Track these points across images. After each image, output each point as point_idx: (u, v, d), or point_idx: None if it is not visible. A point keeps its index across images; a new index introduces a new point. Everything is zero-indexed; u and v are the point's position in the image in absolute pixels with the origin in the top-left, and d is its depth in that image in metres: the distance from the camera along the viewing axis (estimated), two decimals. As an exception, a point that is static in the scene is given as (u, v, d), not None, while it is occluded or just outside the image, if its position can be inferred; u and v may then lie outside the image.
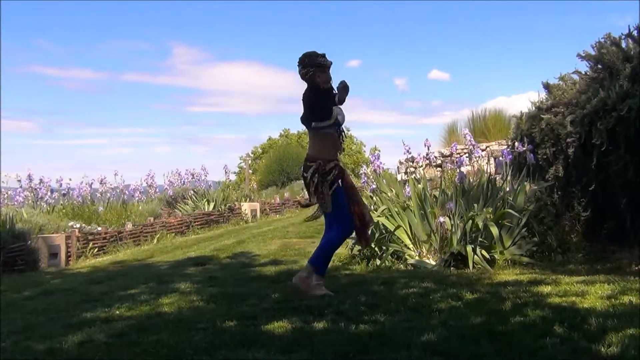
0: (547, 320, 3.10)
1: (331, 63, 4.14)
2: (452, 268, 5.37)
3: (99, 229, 10.69)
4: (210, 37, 71.76)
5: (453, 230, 5.61)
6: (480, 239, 5.54)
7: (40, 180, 13.89)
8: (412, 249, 5.95)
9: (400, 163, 12.56)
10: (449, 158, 9.45)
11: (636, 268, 4.93)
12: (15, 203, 12.53)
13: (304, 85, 4.22)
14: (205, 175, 17.12)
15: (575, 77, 6.33)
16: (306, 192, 4.38)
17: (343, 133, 4.18)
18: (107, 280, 6.04)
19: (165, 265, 7.18)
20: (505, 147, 7.51)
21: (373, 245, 5.99)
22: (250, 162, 27.02)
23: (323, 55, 4.13)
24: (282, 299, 4.00)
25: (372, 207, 6.60)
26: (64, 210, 12.70)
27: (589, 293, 3.82)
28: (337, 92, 4.14)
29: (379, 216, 6.07)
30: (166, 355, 2.82)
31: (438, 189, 6.40)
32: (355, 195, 4.18)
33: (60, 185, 14.47)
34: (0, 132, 56.77)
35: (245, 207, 14.73)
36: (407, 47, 69.06)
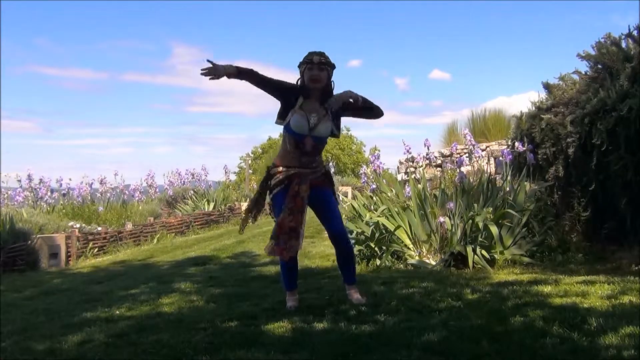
0: (547, 320, 3.10)
1: (319, 60, 3.66)
2: (452, 268, 5.37)
3: (99, 229, 10.70)
4: (210, 37, 71.91)
5: (453, 230, 5.61)
6: (480, 239, 5.54)
7: (40, 180, 13.92)
8: (412, 249, 5.95)
9: (400, 163, 12.56)
10: (449, 158, 9.44)
11: (636, 268, 4.93)
12: (15, 203, 12.56)
13: None
14: (205, 175, 17.17)
15: (575, 77, 6.33)
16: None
17: (303, 141, 3.67)
18: (107, 280, 6.05)
19: (165, 265, 7.18)
20: (505, 147, 7.51)
21: (373, 245, 5.99)
22: (250, 162, 27.02)
23: (311, 52, 3.73)
24: (282, 299, 3.99)
25: (372, 207, 6.61)
26: (64, 210, 12.72)
27: (589, 293, 3.82)
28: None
29: (379, 216, 6.08)
30: (166, 355, 2.82)
31: (438, 189, 6.40)
32: (289, 203, 3.65)
33: (60, 185, 14.49)
34: (0, 132, 56.80)
35: (245, 207, 14.72)
36: (408, 46, 69.26)
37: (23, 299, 5.12)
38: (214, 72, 3.60)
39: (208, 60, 3.58)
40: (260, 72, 3.73)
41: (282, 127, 3.76)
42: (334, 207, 3.86)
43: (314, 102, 3.72)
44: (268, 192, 3.83)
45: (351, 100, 3.71)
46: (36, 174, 14.03)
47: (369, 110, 3.83)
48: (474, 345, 2.73)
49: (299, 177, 3.70)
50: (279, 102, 3.76)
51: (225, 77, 3.66)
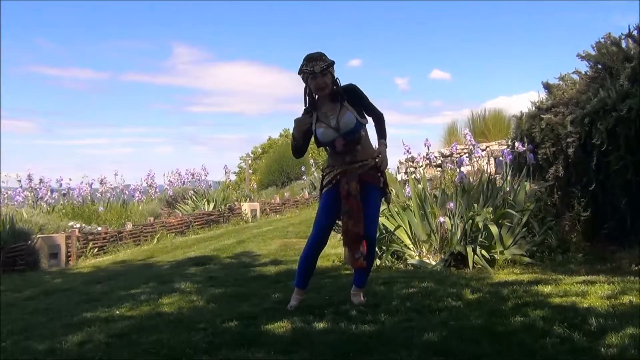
0: (547, 320, 3.10)
1: (320, 69, 3.62)
2: (452, 268, 5.37)
3: (99, 229, 10.68)
4: (210, 37, 71.96)
5: (453, 230, 5.61)
6: (480, 239, 5.54)
7: (40, 180, 13.88)
8: (412, 249, 5.95)
9: (400, 163, 12.57)
10: (449, 158, 9.45)
11: (636, 268, 4.93)
12: (15, 203, 12.53)
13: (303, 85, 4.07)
14: (206, 175, 17.13)
15: (575, 77, 6.34)
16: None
17: (334, 145, 3.71)
18: (107, 280, 6.05)
19: (165, 265, 7.18)
20: (505, 147, 7.51)
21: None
22: (250, 162, 27.01)
23: (309, 59, 3.66)
24: (282, 299, 4.00)
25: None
26: (64, 210, 12.69)
27: (589, 293, 3.82)
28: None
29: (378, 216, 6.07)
30: (166, 355, 2.82)
31: (438, 189, 6.40)
32: (345, 206, 3.67)
33: (60, 185, 14.46)
34: (0, 132, 56.81)
35: (245, 207, 14.72)
36: (408, 46, 69.36)
37: (23, 299, 5.11)
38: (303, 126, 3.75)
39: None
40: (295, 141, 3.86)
41: (319, 146, 3.88)
42: (373, 210, 3.79)
43: (326, 105, 3.73)
44: (320, 192, 3.89)
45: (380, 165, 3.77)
46: (36, 174, 13.99)
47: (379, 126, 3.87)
48: (474, 345, 2.73)
49: (345, 175, 3.69)
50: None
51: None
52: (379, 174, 3.77)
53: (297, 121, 3.73)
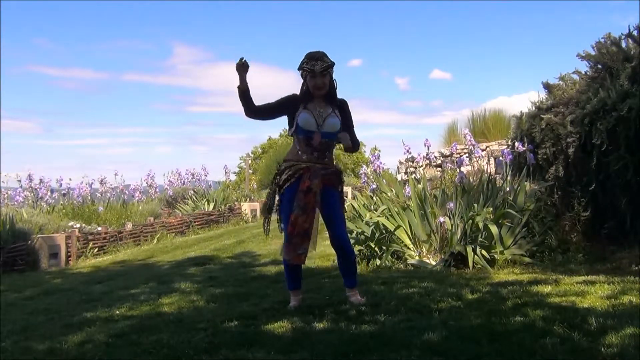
0: (547, 320, 3.10)
1: (320, 69, 3.64)
2: (452, 268, 5.36)
3: (99, 229, 10.70)
4: (210, 37, 72.02)
5: (453, 230, 5.61)
6: (480, 239, 5.54)
7: (40, 180, 13.91)
8: (412, 249, 5.95)
9: (400, 163, 12.57)
10: (449, 158, 9.45)
11: (636, 268, 4.93)
12: (15, 203, 12.56)
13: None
14: (206, 175, 17.17)
15: (575, 77, 6.33)
16: None
17: (312, 137, 3.67)
18: (107, 280, 6.06)
19: (165, 265, 7.19)
20: (505, 147, 7.51)
21: (373, 245, 5.99)
22: (250, 162, 27.01)
23: (310, 57, 3.70)
24: (282, 299, 4.00)
25: (372, 207, 6.61)
26: (64, 210, 12.71)
27: (589, 293, 3.82)
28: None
29: (379, 216, 6.08)
30: (166, 355, 2.82)
31: (438, 189, 6.40)
32: (301, 201, 3.60)
33: (60, 185, 14.49)
34: (0, 132, 56.86)
35: (245, 207, 14.73)
36: (409, 46, 69.40)
37: (23, 299, 5.12)
38: (243, 68, 3.67)
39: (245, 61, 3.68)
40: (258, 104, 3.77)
41: (292, 132, 3.78)
42: (339, 212, 3.79)
43: (318, 102, 3.74)
44: (277, 189, 3.76)
45: (341, 141, 3.77)
46: (36, 174, 14.05)
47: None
48: (474, 345, 2.73)
49: (309, 171, 3.65)
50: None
51: (241, 80, 3.69)
52: (338, 179, 3.81)
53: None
